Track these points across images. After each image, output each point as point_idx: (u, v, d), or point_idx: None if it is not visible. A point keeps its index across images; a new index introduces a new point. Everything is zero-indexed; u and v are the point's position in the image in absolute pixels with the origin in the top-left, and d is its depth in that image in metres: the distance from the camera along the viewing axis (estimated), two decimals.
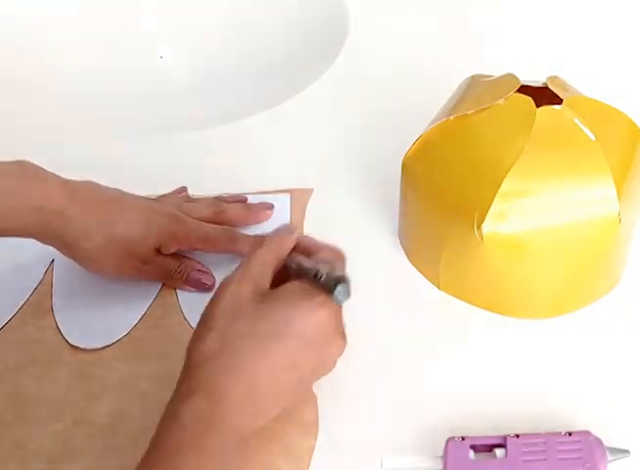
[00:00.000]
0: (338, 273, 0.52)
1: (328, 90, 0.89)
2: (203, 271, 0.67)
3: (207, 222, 0.69)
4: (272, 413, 0.52)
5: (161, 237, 0.65)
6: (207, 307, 0.53)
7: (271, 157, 0.81)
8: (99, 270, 0.65)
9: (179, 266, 0.67)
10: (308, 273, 0.53)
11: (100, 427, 0.59)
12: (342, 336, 0.55)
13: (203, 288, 0.67)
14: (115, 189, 0.66)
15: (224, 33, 1.00)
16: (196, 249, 0.68)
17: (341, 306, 0.54)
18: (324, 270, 0.53)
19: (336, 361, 0.55)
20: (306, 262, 0.55)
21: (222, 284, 0.54)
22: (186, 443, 0.48)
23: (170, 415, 0.50)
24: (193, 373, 0.51)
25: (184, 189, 0.74)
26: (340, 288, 0.51)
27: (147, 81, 0.96)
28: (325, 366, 0.55)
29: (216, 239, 0.68)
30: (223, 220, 0.70)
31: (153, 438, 0.49)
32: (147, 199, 0.68)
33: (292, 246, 0.57)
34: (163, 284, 0.68)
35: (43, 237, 0.63)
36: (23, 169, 0.61)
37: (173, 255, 0.67)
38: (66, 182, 0.63)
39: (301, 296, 0.53)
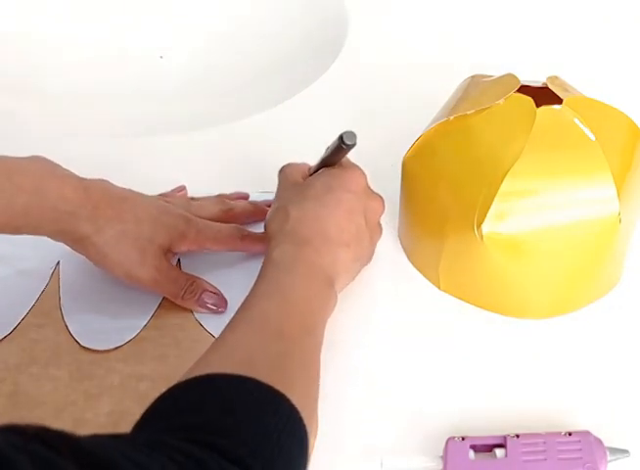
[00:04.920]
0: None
1: (328, 90, 0.89)
2: (214, 293, 0.67)
3: (215, 221, 0.69)
4: (346, 262, 0.62)
5: (172, 237, 0.65)
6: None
7: (271, 157, 0.81)
8: (108, 268, 0.64)
9: (191, 285, 0.66)
10: (325, 157, 0.65)
11: (100, 427, 0.59)
12: (377, 193, 0.66)
13: (215, 312, 0.66)
14: (128, 189, 0.66)
15: (224, 33, 1.00)
16: (206, 248, 0.68)
17: (362, 171, 0.65)
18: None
19: (380, 223, 0.67)
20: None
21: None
22: (280, 269, 0.58)
23: (263, 264, 0.59)
24: (275, 238, 0.61)
25: (183, 188, 0.75)
26: (344, 134, 0.61)
27: (147, 81, 0.96)
28: (373, 219, 0.65)
29: (226, 238, 0.68)
30: (231, 218, 0.71)
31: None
32: (158, 199, 0.69)
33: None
34: None
35: (55, 234, 0.63)
36: (40, 167, 0.62)
37: (184, 273, 0.68)
38: (80, 180, 0.63)
39: (330, 169, 0.65)
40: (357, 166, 0.66)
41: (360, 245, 0.63)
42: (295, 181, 0.65)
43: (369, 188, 0.65)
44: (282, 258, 0.59)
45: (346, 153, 0.64)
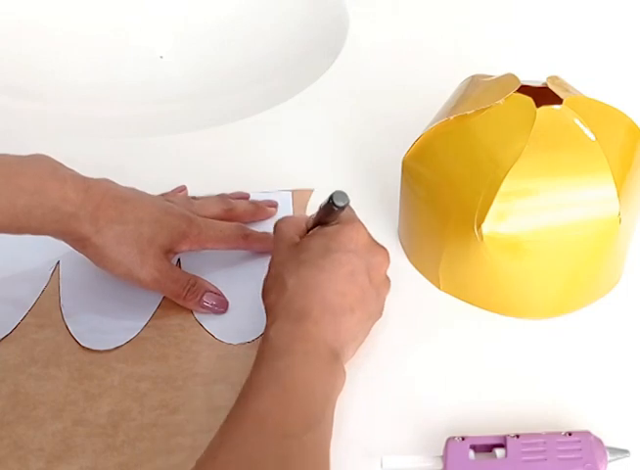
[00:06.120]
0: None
1: (328, 90, 0.89)
2: (215, 293, 0.66)
3: (217, 220, 0.69)
4: (353, 327, 0.57)
5: (173, 237, 0.65)
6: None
7: (271, 157, 0.81)
8: (109, 269, 0.64)
9: (193, 285, 0.66)
10: (318, 216, 0.61)
11: (100, 427, 0.59)
12: (381, 246, 0.61)
13: (216, 312, 0.66)
14: (131, 188, 0.66)
15: (224, 33, 1.00)
16: (208, 248, 0.68)
17: (363, 226, 0.60)
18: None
19: (387, 276, 0.61)
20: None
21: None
22: (277, 351, 0.53)
23: (260, 346, 0.55)
24: (271, 312, 0.57)
25: (183, 188, 0.75)
26: (334, 195, 0.58)
27: (147, 81, 0.96)
28: (378, 275, 0.60)
29: (229, 237, 0.68)
30: (233, 217, 0.70)
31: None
32: (161, 199, 0.68)
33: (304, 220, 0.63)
34: None
35: (56, 234, 0.63)
36: (41, 167, 0.61)
37: (186, 273, 0.67)
38: (82, 181, 0.63)
39: (326, 228, 0.60)
40: (355, 221, 0.61)
41: (366, 306, 0.58)
42: (290, 241, 0.60)
43: (371, 241, 0.60)
44: (278, 338, 0.54)
45: (339, 213, 0.60)
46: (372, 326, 0.60)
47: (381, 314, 0.61)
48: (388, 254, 0.61)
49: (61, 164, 0.63)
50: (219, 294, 0.67)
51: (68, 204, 0.61)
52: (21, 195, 0.60)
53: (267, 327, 0.56)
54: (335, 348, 0.55)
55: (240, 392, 0.52)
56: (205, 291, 0.66)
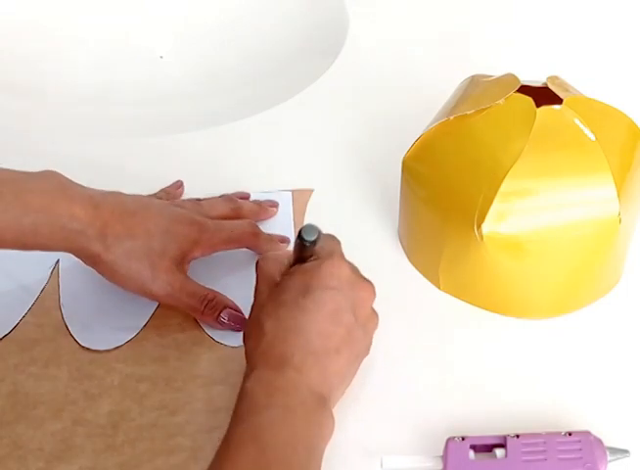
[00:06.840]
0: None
1: (328, 90, 0.89)
2: (235, 310, 0.64)
3: (226, 219, 0.68)
4: (340, 370, 0.54)
5: (184, 247, 0.64)
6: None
7: (271, 157, 0.81)
8: (121, 285, 0.64)
9: (211, 300, 0.64)
10: (294, 251, 0.57)
11: (99, 427, 0.59)
12: (365, 279, 0.57)
13: (234, 330, 0.64)
14: (139, 198, 0.65)
15: (224, 33, 1.00)
16: (220, 250, 0.67)
17: (345, 260, 0.56)
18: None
19: (373, 309, 0.58)
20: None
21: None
22: (255, 405, 0.50)
23: (237, 398, 0.51)
24: (250, 360, 0.54)
25: (180, 184, 0.74)
26: (303, 230, 0.55)
27: (147, 81, 0.96)
28: (364, 311, 0.56)
29: (241, 236, 0.67)
30: (240, 216, 0.70)
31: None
32: (169, 206, 0.67)
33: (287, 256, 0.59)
34: None
35: (65, 251, 0.62)
36: (49, 184, 0.61)
37: (202, 286, 0.65)
38: (90, 197, 0.62)
39: (304, 265, 0.56)
40: (335, 255, 0.56)
41: (353, 345, 0.55)
42: (270, 280, 0.56)
43: (353, 276, 0.56)
44: (256, 390, 0.51)
45: (313, 247, 0.56)
46: (360, 364, 0.57)
47: (368, 351, 0.58)
48: (373, 287, 0.57)
49: (69, 179, 0.62)
50: (239, 310, 0.65)
51: (76, 222, 0.60)
52: (27, 213, 0.59)
53: (245, 377, 0.52)
54: (321, 393, 0.52)
55: (217, 450, 0.49)
56: (225, 307, 0.64)
